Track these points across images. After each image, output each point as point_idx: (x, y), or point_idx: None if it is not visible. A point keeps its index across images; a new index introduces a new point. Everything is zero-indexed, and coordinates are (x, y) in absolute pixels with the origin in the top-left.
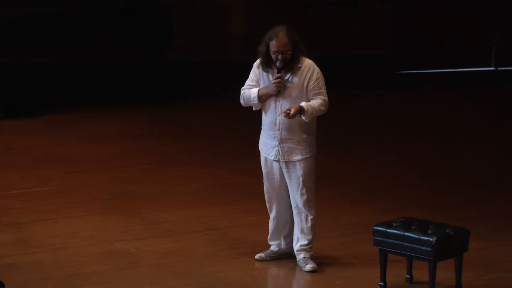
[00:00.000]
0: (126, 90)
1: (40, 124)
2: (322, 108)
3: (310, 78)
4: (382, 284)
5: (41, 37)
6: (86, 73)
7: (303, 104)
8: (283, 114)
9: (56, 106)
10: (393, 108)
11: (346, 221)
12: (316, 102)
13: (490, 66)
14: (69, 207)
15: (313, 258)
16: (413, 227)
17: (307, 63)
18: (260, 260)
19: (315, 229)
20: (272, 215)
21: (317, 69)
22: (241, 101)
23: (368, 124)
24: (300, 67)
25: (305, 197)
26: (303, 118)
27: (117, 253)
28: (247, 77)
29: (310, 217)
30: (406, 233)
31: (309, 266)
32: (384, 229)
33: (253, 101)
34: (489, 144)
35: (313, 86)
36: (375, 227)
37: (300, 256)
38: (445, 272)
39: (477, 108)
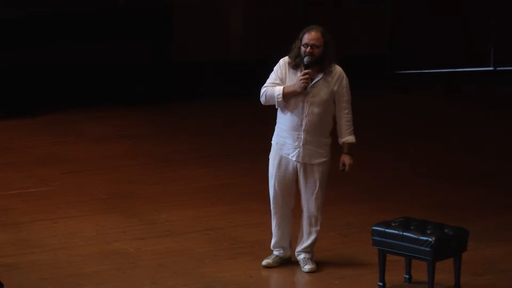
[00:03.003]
0: (126, 90)
1: (40, 124)
2: (351, 123)
3: (340, 83)
4: (381, 284)
5: (41, 37)
6: (85, 73)
7: (346, 140)
8: (346, 168)
9: (55, 106)
10: (392, 108)
11: (345, 221)
12: (348, 126)
13: (489, 66)
14: (68, 207)
15: (312, 258)
16: (412, 227)
17: (339, 69)
18: (268, 267)
19: (319, 232)
20: (276, 221)
21: (346, 77)
22: (262, 99)
23: (367, 124)
24: (332, 71)
25: (319, 201)
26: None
27: (116, 253)
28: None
29: (319, 221)
30: (405, 233)
31: (308, 267)
32: (383, 229)
33: (278, 98)
34: (489, 144)
35: (343, 93)
36: (374, 227)
37: (300, 257)
38: (444, 272)
39: (476, 108)
